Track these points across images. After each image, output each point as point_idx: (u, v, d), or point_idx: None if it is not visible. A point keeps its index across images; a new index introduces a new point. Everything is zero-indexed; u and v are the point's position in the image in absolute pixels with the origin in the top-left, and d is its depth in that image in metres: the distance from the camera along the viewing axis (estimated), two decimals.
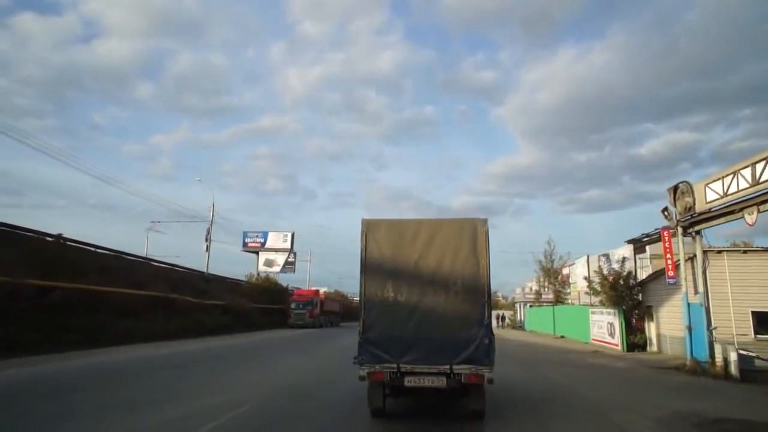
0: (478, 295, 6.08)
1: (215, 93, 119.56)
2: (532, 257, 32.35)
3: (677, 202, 14.12)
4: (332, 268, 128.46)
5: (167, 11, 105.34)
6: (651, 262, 21.67)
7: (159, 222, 45.96)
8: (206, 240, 44.03)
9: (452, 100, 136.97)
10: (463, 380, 5.77)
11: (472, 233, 6.29)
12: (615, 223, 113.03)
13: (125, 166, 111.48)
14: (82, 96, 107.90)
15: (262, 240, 52.15)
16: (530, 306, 43.13)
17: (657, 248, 21.20)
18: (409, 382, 5.86)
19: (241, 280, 41.96)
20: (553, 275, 31.32)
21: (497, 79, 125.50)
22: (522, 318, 44.90)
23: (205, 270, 41.03)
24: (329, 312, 43.44)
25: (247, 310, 32.99)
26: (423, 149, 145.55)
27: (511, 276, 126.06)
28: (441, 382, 5.81)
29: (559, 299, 31.38)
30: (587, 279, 22.10)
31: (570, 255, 31.12)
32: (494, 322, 46.41)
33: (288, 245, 51.52)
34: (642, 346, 18.09)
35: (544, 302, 40.77)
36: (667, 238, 14.41)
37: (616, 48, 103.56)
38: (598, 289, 19.81)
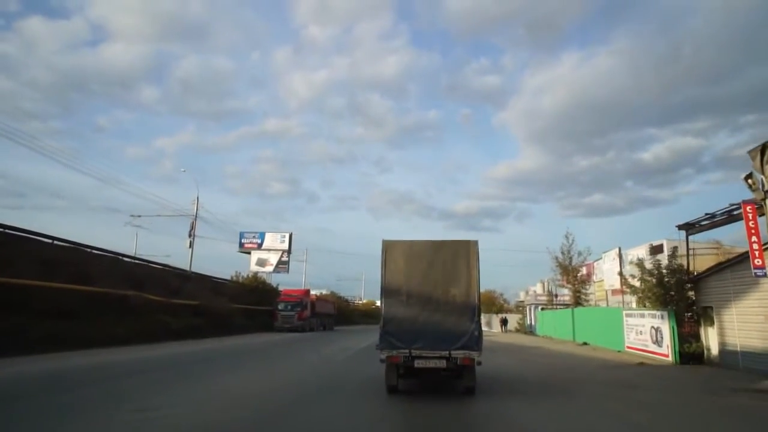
0: (471, 299, 7.81)
1: (220, 97, 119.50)
2: (548, 252, 28.69)
3: (766, 167, 10.44)
4: (332, 271, 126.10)
5: (173, 16, 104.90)
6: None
7: (140, 216, 42.61)
8: (189, 236, 40.66)
9: (456, 104, 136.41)
10: (458, 362, 7.50)
11: (466, 251, 8.03)
12: (618, 228, 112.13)
13: (128, 169, 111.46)
14: (88, 99, 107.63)
15: (259, 241, 49.85)
16: (541, 309, 39.33)
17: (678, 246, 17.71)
18: (418, 363, 7.56)
19: (226, 279, 38.31)
20: (572, 273, 27.56)
21: (501, 84, 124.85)
22: (532, 322, 41.08)
23: (188, 268, 37.84)
24: (322, 314, 39.73)
25: (227, 311, 29.34)
26: (426, 153, 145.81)
27: (514, 280, 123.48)
28: (442, 363, 7.52)
29: (579, 301, 27.60)
30: (621, 275, 18.37)
31: (590, 251, 27.47)
32: (499, 327, 42.54)
33: (286, 246, 49.16)
34: (698, 358, 14.37)
35: (558, 305, 37.02)
36: (751, 215, 10.71)
37: (619, 53, 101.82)
38: (640, 285, 16.10)
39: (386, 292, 8.01)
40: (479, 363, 7.56)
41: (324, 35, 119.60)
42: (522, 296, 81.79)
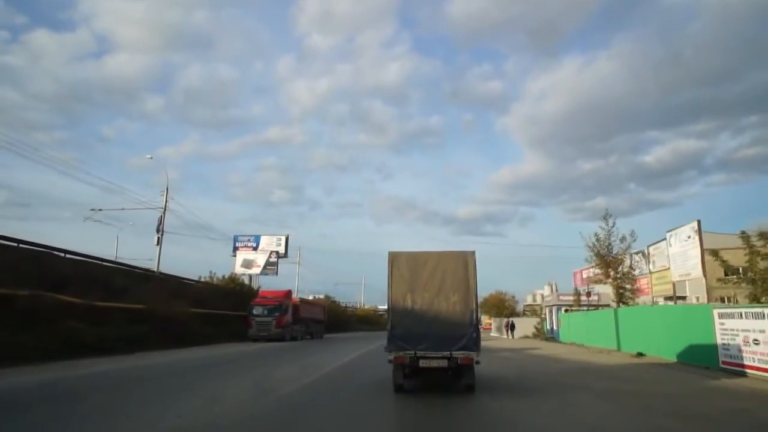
0: (469, 304, 8.50)
1: (223, 105, 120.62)
2: (581, 238, 22.94)
3: None
4: (335, 278, 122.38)
5: (178, 26, 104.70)
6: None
7: (101, 210, 37.24)
8: (158, 231, 35.25)
9: (458, 109, 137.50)
10: (459, 362, 8.18)
11: (465, 261, 8.75)
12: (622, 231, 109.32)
13: (132, 178, 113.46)
14: (93, 110, 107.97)
15: (254, 245, 46.53)
16: (565, 310, 33.55)
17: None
18: (422, 363, 8.21)
19: (191, 280, 32.73)
20: (613, 265, 21.82)
21: (503, 89, 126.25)
22: (554, 326, 35.26)
23: (168, 268, 32.78)
24: (308, 320, 34.00)
25: (183, 317, 23.71)
26: (429, 159, 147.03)
27: (519, 284, 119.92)
28: (444, 363, 8.18)
29: (622, 299, 21.82)
30: (716, 255, 12.66)
31: (636, 236, 21.67)
32: (505, 333, 37.60)
33: (282, 250, 45.82)
34: None
35: (588, 305, 31.24)
36: None
37: (620, 57, 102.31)
38: (755, 268, 10.45)
39: (393, 299, 8.70)
40: (477, 362, 8.34)
41: (327, 43, 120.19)
42: (529, 300, 76.86)
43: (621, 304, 21.71)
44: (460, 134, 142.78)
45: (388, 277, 8.72)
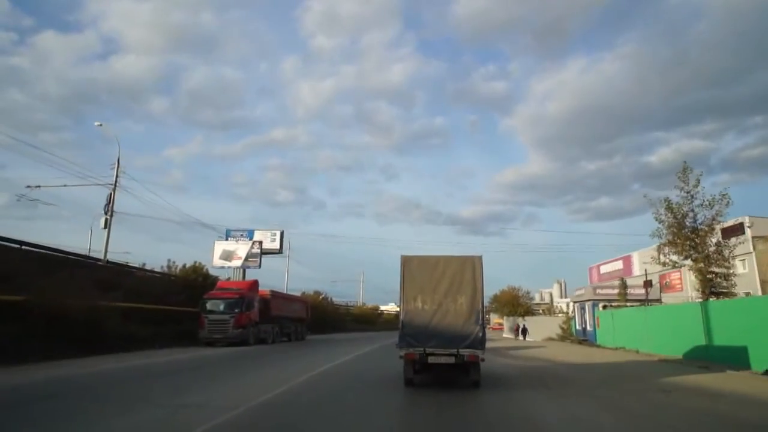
0: (476, 305, 9.12)
1: (228, 106, 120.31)
2: (648, 204, 16.25)
3: None
4: (334, 276, 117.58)
5: (184, 28, 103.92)
6: None
7: (39, 187, 30.77)
8: (105, 213, 28.84)
9: (463, 110, 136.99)
10: (465, 359, 8.86)
11: (471, 265, 9.34)
12: (625, 230, 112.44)
13: (138, 179, 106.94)
14: (99, 111, 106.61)
15: (248, 240, 43.19)
16: (603, 307, 26.82)
17: None
18: (431, 359, 8.96)
19: (133, 267, 26.25)
20: (699, 242, 14.98)
21: (507, 90, 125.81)
22: (587, 326, 28.52)
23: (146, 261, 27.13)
24: (283, 318, 27.38)
25: (92, 313, 17.18)
26: (433, 159, 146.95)
27: (525, 283, 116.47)
28: (451, 359, 8.91)
29: (714, 288, 15.07)
30: None
31: (730, 199, 14.83)
32: (519, 336, 33.88)
33: (277, 246, 43.10)
34: None
35: (646, 300, 24.48)
36: None
37: (625, 57, 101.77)
38: None
39: (405, 299, 9.30)
40: (482, 360, 9.03)
41: (331, 44, 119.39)
42: (537, 299, 71.20)
43: (712, 296, 14.99)
44: (465, 135, 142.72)
45: (401, 279, 9.32)
